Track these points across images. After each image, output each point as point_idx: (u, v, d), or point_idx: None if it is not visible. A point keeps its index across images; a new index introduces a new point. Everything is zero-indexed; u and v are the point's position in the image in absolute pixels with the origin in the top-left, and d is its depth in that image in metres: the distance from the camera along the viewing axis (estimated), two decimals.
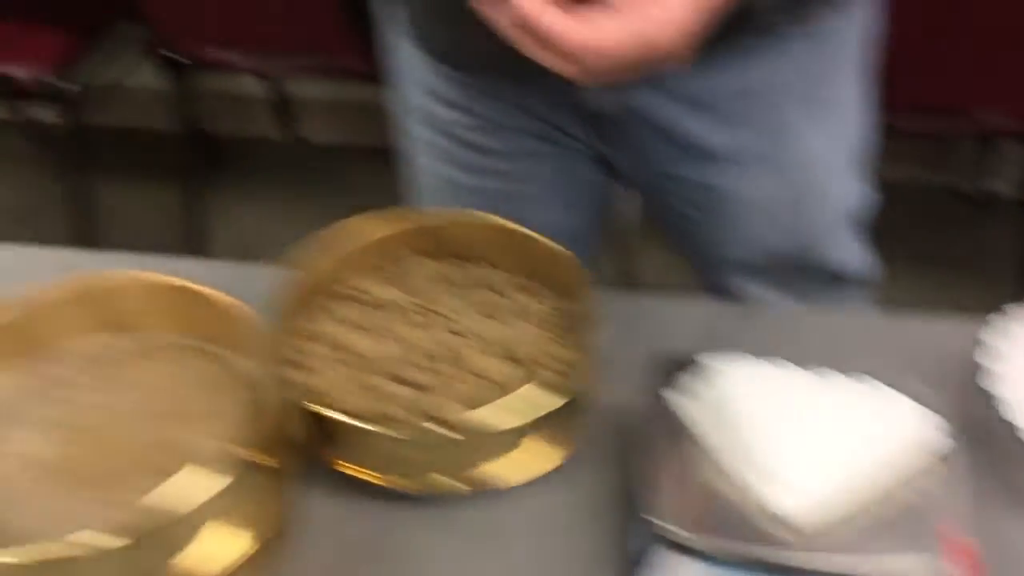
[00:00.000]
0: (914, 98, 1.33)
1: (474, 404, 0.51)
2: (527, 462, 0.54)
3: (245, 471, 0.46)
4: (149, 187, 2.15)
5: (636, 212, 1.27)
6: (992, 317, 0.59)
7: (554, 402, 0.52)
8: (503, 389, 0.53)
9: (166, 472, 0.44)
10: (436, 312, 0.58)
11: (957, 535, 0.48)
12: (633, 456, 0.54)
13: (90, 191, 1.84)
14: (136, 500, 0.43)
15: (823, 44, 0.69)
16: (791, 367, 0.55)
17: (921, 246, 1.83)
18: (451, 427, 0.51)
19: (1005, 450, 0.54)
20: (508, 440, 0.53)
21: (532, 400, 0.52)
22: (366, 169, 2.18)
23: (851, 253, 0.81)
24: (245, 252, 1.99)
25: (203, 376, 0.53)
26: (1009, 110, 1.40)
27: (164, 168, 2.16)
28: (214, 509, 0.45)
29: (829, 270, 0.80)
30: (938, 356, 0.60)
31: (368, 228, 0.61)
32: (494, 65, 0.64)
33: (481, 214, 0.61)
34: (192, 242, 1.90)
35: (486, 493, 0.54)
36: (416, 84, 0.76)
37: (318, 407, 0.51)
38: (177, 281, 0.54)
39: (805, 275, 0.80)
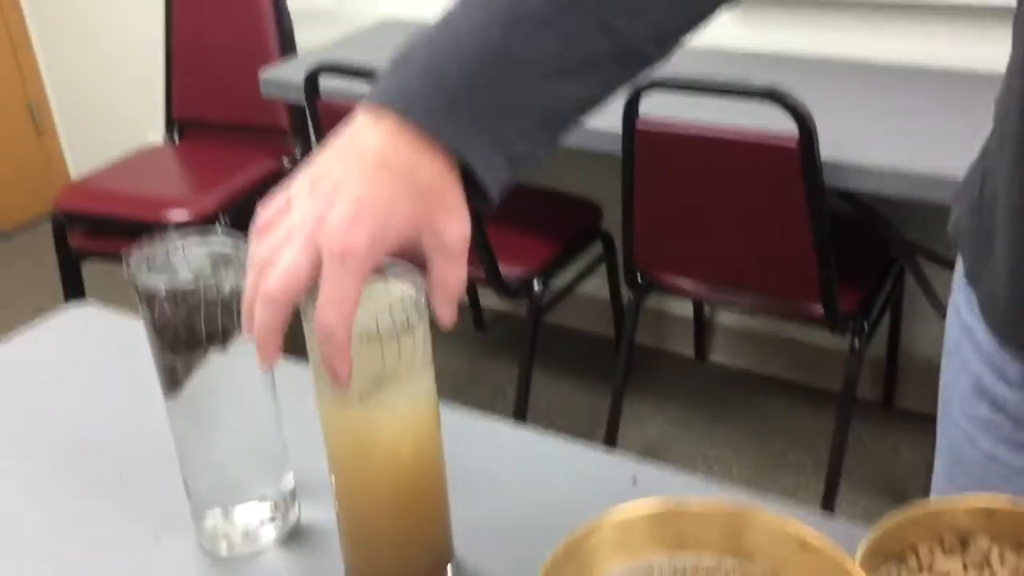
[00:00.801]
0: None
1: None
2: None
3: None
4: (575, 382, 2.37)
5: None
6: None
7: None
8: None
9: None
10: None
11: None
12: None
13: (530, 376, 2.06)
14: None
15: None
16: None
17: None
18: None
19: None
20: None
21: None
22: (767, 397, 2.25)
23: None
24: (646, 451, 2.11)
25: None
26: None
27: (592, 368, 2.39)
28: None
29: None
30: None
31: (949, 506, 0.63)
32: None
33: None
34: (607, 435, 2.05)
35: None
36: (977, 355, 0.75)
37: None
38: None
39: None
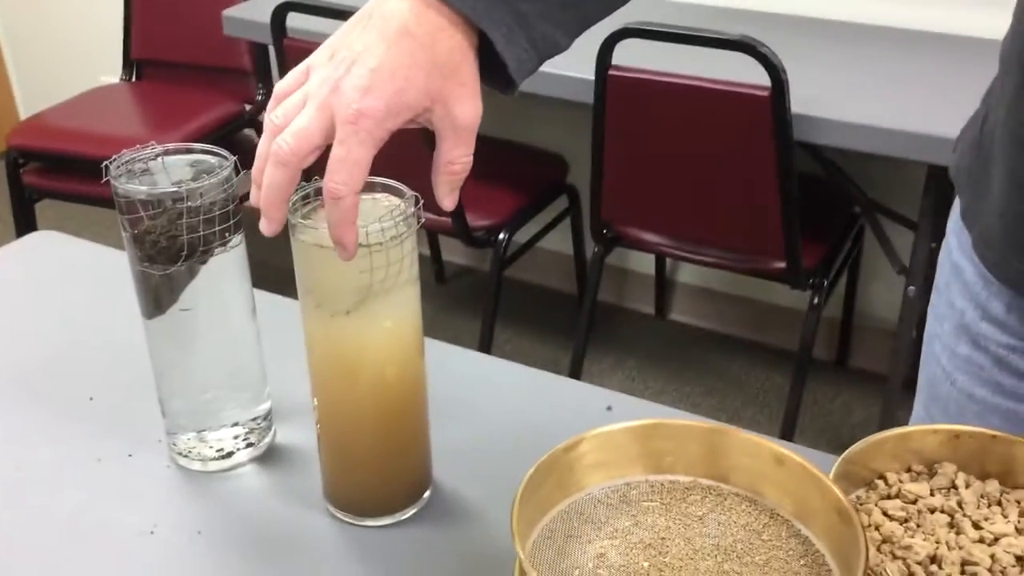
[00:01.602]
0: None
1: None
2: None
3: None
4: (536, 336, 2.38)
5: None
6: None
7: None
8: None
9: None
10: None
11: None
12: None
13: (492, 329, 2.07)
14: None
15: None
16: None
17: None
18: None
19: None
20: None
21: None
22: (724, 355, 2.28)
23: None
24: None
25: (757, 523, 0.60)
26: None
27: (553, 323, 2.40)
28: None
29: None
30: None
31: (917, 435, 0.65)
32: None
33: None
34: None
35: None
36: (963, 294, 0.77)
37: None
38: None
39: None
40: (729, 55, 1.46)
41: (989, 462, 0.64)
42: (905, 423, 0.76)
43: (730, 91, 1.50)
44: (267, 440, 0.69)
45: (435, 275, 2.57)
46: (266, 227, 0.51)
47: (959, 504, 0.63)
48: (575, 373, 2.02)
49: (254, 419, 0.68)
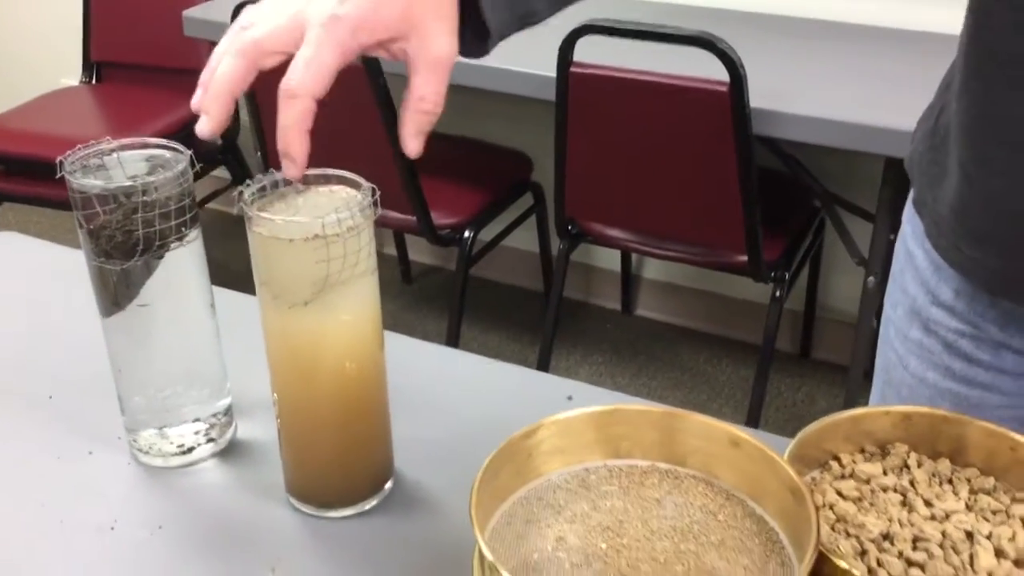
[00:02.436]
0: None
1: None
2: None
3: None
4: (503, 334, 2.38)
5: None
6: None
7: None
8: None
9: None
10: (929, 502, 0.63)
11: None
12: None
13: (459, 327, 2.07)
14: None
15: None
16: None
17: None
18: None
19: None
20: None
21: None
22: (689, 349, 2.30)
23: None
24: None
25: (715, 506, 0.61)
26: None
27: (520, 321, 2.41)
28: None
29: None
30: None
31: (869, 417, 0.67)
32: None
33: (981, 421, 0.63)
34: None
35: None
36: (915, 280, 0.79)
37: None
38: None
39: None
40: (689, 51, 1.47)
41: (940, 442, 0.66)
42: None
43: (690, 86, 1.52)
44: (228, 435, 0.69)
45: (402, 275, 2.57)
46: (205, 126, 0.51)
47: (911, 483, 0.64)
48: (543, 369, 2.02)
49: (214, 415, 0.68)
